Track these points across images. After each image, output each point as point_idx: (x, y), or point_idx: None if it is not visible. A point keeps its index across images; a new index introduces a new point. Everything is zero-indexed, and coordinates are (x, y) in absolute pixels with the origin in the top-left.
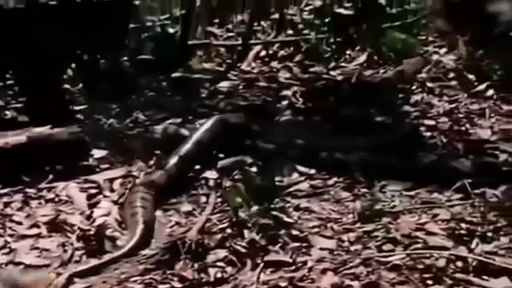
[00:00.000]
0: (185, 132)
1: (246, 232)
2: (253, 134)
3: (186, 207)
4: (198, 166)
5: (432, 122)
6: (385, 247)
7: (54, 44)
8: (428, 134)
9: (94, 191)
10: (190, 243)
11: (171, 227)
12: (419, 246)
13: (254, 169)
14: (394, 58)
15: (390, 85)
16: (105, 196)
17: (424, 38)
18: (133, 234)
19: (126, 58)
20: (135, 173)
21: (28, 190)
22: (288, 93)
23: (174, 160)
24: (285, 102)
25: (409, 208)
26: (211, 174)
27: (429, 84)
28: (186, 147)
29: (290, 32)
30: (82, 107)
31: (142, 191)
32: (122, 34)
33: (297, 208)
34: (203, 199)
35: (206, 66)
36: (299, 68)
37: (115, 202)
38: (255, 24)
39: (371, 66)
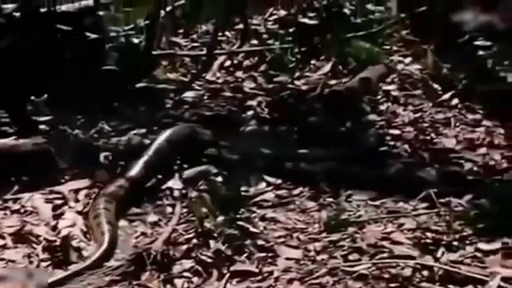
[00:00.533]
0: (149, 142)
1: (211, 242)
2: (217, 144)
3: (152, 218)
4: (160, 176)
5: (397, 132)
6: (351, 257)
7: (18, 54)
8: (393, 143)
9: (59, 202)
10: (155, 254)
11: (137, 238)
12: (385, 255)
13: (220, 179)
14: (359, 68)
15: (354, 94)
16: (70, 207)
17: (389, 47)
18: (99, 245)
19: (90, 68)
20: (100, 183)
21: None
22: (253, 103)
23: (134, 169)
24: (250, 112)
25: (374, 218)
26: (176, 184)
27: (394, 93)
28: (145, 157)
29: (254, 42)
30: (47, 118)
31: (104, 201)
32: (87, 44)
33: (263, 218)
34: (169, 209)
35: (171, 76)
36: (264, 78)
37: (80, 213)
38: (220, 34)
39: (336, 76)
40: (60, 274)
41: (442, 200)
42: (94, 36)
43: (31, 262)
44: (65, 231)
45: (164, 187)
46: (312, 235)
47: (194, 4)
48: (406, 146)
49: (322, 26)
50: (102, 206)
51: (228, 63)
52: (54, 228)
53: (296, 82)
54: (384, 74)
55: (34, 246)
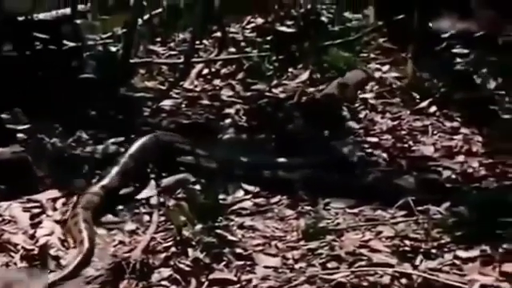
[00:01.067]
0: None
1: (190, 250)
2: (194, 153)
3: (130, 226)
4: (137, 185)
5: (375, 140)
6: (329, 265)
7: None
8: (371, 151)
9: (36, 211)
10: (134, 263)
11: (115, 246)
12: (363, 263)
13: (198, 187)
14: (336, 76)
15: (332, 101)
16: (48, 215)
17: (366, 55)
18: (77, 253)
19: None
20: (77, 192)
21: None
22: (231, 111)
23: (108, 177)
24: (228, 120)
25: (353, 225)
26: (154, 193)
27: (372, 101)
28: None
29: (232, 50)
30: (25, 127)
31: (81, 210)
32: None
33: (241, 226)
34: (147, 218)
35: (149, 84)
36: (242, 86)
37: (58, 222)
38: (197, 42)
39: (313, 84)
40: (38, 283)
41: (420, 208)
42: (71, 44)
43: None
44: (43, 240)
45: (141, 196)
46: (290, 243)
47: (171, 12)
48: (384, 154)
49: (299, 34)
50: (80, 214)
51: (206, 71)
52: (32, 237)
53: (274, 90)
54: (362, 81)
55: (12, 254)
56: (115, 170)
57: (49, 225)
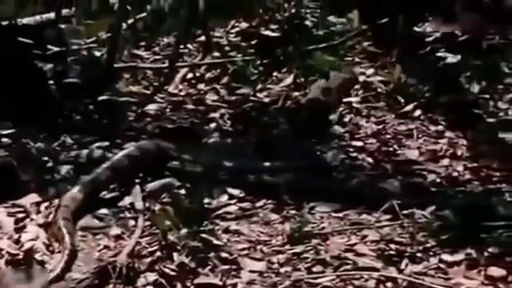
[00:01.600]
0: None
1: (175, 255)
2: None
3: (115, 231)
4: (122, 189)
5: (360, 144)
6: (314, 269)
7: None
8: (356, 155)
9: (21, 215)
10: (120, 267)
11: (100, 251)
12: (349, 267)
13: (183, 191)
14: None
15: (317, 105)
16: (32, 220)
17: (351, 59)
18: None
19: (52, 82)
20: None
21: None
22: (215, 115)
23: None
24: (212, 125)
25: (338, 229)
26: (139, 197)
27: (356, 105)
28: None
29: (216, 54)
30: (9, 131)
31: (62, 208)
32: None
33: (226, 230)
34: (132, 222)
35: (133, 88)
36: (226, 90)
37: (42, 226)
38: (181, 47)
39: (298, 88)
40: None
41: (406, 211)
42: (56, 49)
43: None
44: (28, 244)
45: (126, 200)
46: (275, 247)
47: (155, 16)
48: (369, 158)
49: (283, 38)
50: (62, 218)
51: (190, 76)
52: (17, 241)
53: (258, 95)
54: (346, 84)
55: None
56: (106, 164)
57: (33, 229)
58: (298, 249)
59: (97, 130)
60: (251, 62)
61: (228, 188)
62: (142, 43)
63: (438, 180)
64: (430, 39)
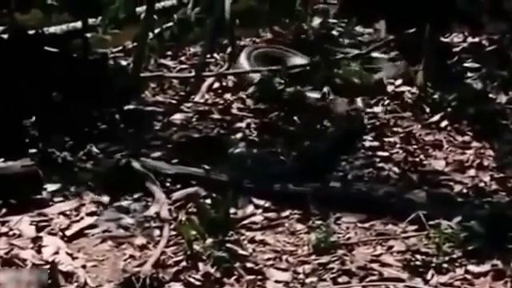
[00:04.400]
0: (137, 165)
1: (200, 265)
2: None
3: (140, 240)
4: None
5: (386, 154)
6: (340, 279)
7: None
8: (382, 165)
9: (46, 224)
10: (144, 277)
11: (125, 261)
12: (375, 277)
13: (209, 201)
14: (348, 89)
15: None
16: (57, 230)
17: (377, 69)
18: None
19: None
20: (88, 206)
21: None
22: (242, 125)
23: None
24: (239, 135)
25: (364, 240)
26: (165, 206)
27: (382, 115)
28: None
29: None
30: (35, 140)
31: None
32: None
33: (251, 240)
34: (157, 232)
35: (159, 98)
36: (252, 100)
37: (67, 236)
38: (208, 56)
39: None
40: None
41: (432, 222)
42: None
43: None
44: (51, 255)
45: (152, 209)
46: (301, 257)
47: (182, 26)
48: (395, 168)
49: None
50: None
51: (216, 85)
52: (40, 251)
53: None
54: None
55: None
56: None
57: (58, 239)
58: (324, 259)
59: (122, 140)
60: (277, 71)
61: (253, 198)
62: (169, 52)
63: (465, 190)
64: (457, 49)
